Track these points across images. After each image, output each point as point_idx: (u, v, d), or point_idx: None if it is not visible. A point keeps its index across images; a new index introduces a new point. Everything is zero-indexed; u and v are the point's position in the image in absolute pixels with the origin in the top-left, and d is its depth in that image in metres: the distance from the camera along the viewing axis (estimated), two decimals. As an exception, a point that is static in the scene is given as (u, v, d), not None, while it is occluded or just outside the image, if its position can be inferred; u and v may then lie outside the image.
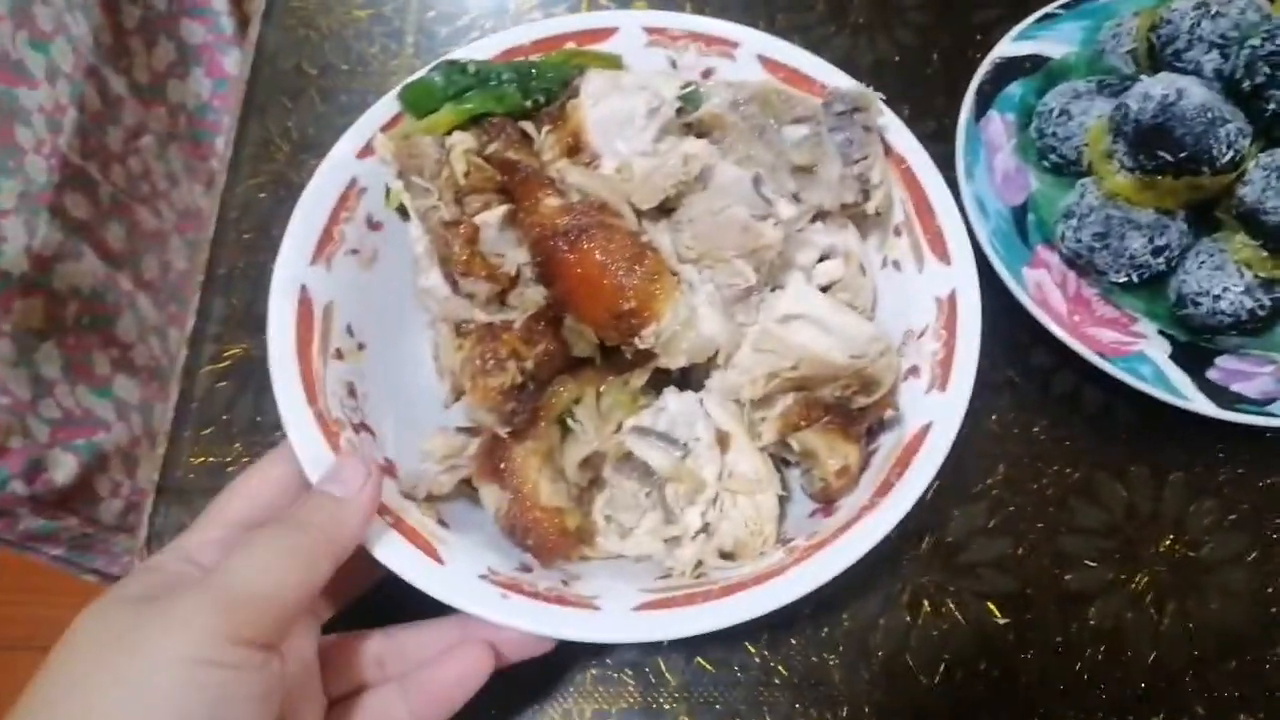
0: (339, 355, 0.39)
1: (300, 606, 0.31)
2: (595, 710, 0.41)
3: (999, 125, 0.49)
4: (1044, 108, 0.48)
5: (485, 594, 0.33)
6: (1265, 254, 0.42)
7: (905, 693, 0.41)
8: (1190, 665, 0.41)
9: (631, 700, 0.41)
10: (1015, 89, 0.50)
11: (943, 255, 0.40)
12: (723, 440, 0.36)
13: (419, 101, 0.41)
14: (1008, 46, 0.50)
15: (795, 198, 0.38)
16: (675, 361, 0.35)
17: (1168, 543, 0.43)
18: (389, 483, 0.36)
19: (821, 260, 0.38)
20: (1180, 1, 0.45)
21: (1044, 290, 0.45)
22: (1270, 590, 0.42)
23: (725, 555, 0.35)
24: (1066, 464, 0.45)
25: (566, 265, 0.34)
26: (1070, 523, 0.44)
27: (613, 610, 0.33)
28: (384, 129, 0.41)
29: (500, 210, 0.36)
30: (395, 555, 0.34)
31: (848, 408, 0.36)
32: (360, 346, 0.40)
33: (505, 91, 0.40)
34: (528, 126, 0.40)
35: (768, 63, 0.43)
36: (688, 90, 0.43)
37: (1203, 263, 0.44)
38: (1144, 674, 0.41)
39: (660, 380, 0.38)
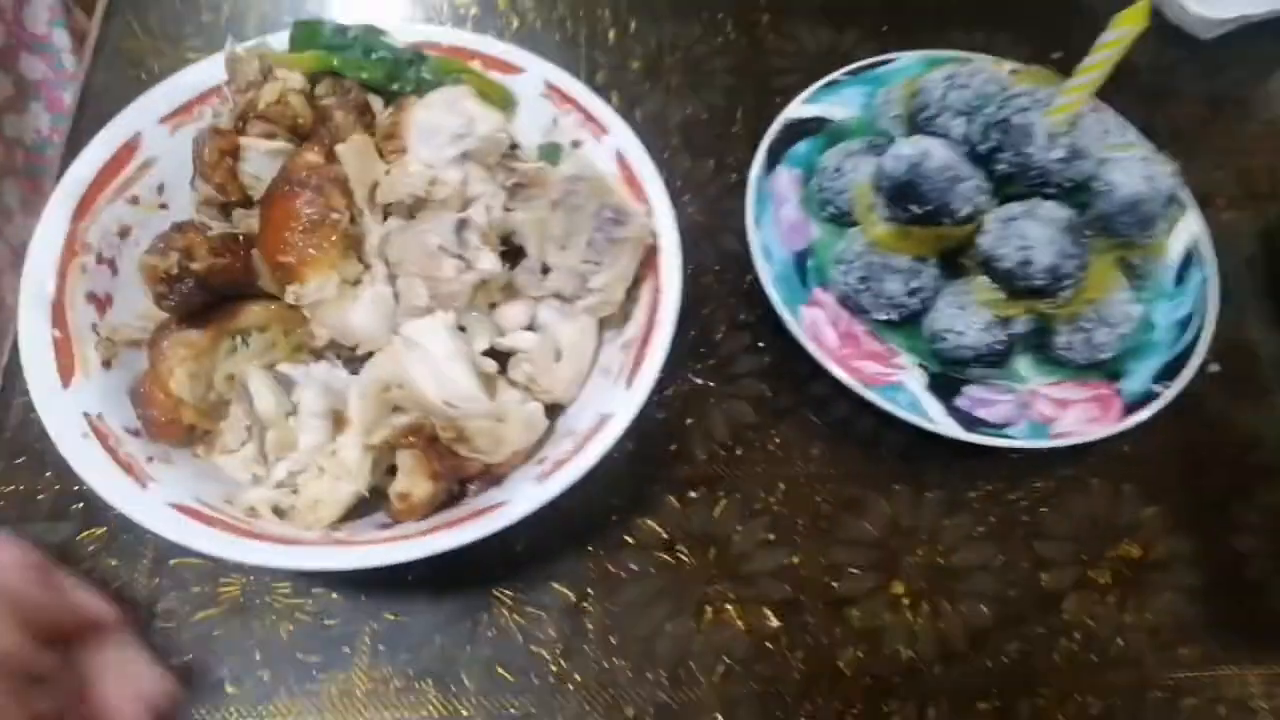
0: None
1: None
2: (396, 718, 0.42)
3: (786, 180, 0.53)
4: (823, 165, 0.53)
5: (169, 515, 0.36)
6: (1002, 296, 0.47)
7: (686, 692, 0.44)
8: (939, 660, 0.45)
9: (433, 708, 0.43)
10: (802, 147, 0.54)
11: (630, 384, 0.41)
12: (339, 421, 0.38)
13: (302, 38, 0.45)
14: (796, 109, 0.54)
15: (543, 268, 0.41)
16: (320, 331, 0.38)
17: (923, 552, 0.48)
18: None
19: (528, 329, 0.41)
20: (934, 73, 0.50)
21: (818, 327, 0.49)
22: (1011, 593, 0.47)
23: (277, 511, 0.38)
24: (839, 483, 0.49)
25: (272, 204, 0.37)
26: (841, 535, 0.48)
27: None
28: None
29: (274, 144, 0.39)
30: (97, 471, 0.36)
31: (447, 451, 0.38)
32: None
33: (371, 64, 0.44)
34: (376, 101, 0.44)
35: (620, 159, 0.46)
36: (546, 144, 0.47)
37: (950, 303, 0.48)
38: (899, 668, 0.45)
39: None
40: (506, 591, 0.45)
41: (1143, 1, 0.42)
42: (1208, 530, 0.50)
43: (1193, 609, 0.48)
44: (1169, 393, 0.49)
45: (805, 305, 0.50)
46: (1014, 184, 0.47)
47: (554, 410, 0.42)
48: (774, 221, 0.52)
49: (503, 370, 0.40)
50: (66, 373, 0.38)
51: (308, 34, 0.44)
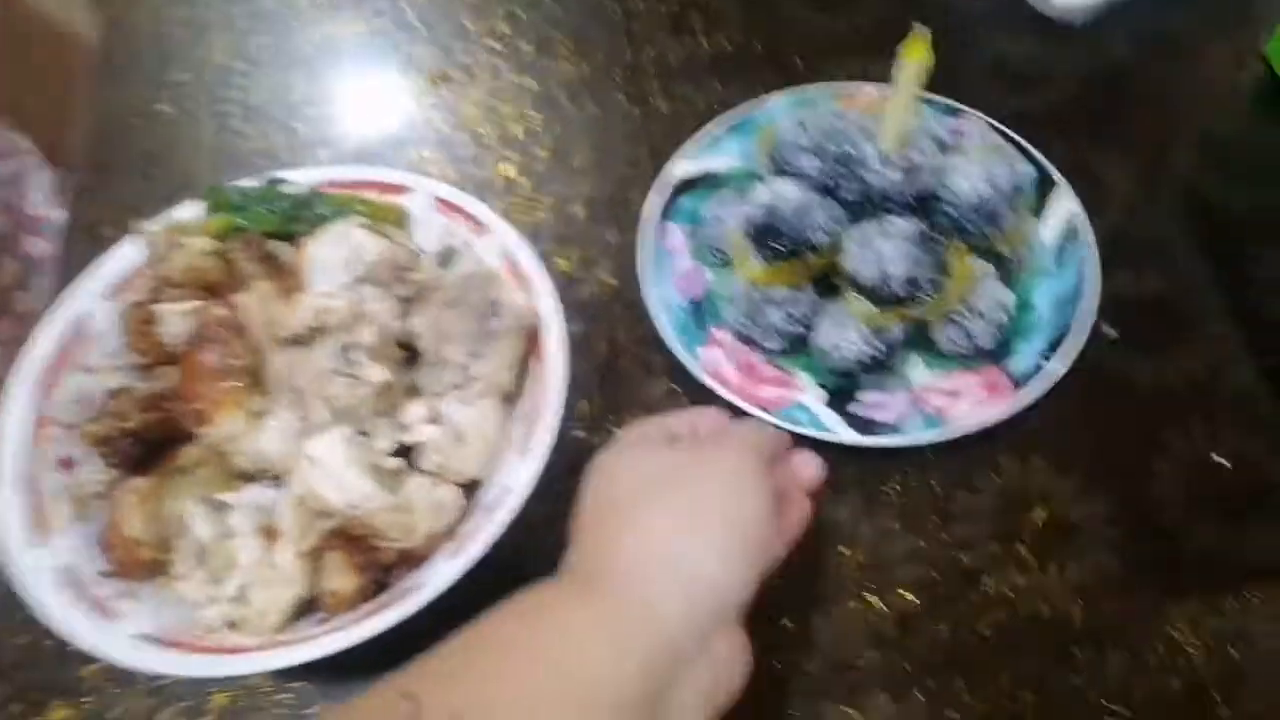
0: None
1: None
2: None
3: (677, 234, 0.58)
4: (704, 216, 0.58)
5: (135, 646, 0.41)
6: (874, 309, 0.51)
7: None
8: (872, 647, 0.48)
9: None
10: (686, 202, 0.59)
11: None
12: (270, 534, 0.43)
13: (215, 204, 0.51)
14: (679, 166, 0.60)
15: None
16: (240, 462, 0.43)
17: (846, 551, 0.51)
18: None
19: (432, 421, 0.45)
20: (786, 120, 0.55)
21: (718, 364, 0.54)
22: (934, 576, 0.50)
23: (231, 625, 0.42)
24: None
25: (184, 359, 0.43)
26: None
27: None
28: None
29: (186, 305, 0.45)
30: (72, 618, 0.41)
31: (366, 544, 0.42)
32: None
33: (269, 216, 0.50)
34: (282, 246, 0.50)
35: (505, 254, 0.51)
36: (442, 249, 0.52)
37: (830, 323, 0.52)
38: (824, 656, 0.48)
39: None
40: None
41: (918, 36, 0.47)
42: (1120, 487, 0.52)
43: (1113, 563, 0.50)
44: (1055, 364, 0.52)
45: (704, 346, 0.54)
46: (863, 207, 0.51)
47: (476, 487, 0.47)
48: (669, 273, 0.57)
49: (414, 463, 0.45)
50: (43, 533, 0.43)
51: (216, 200, 0.50)
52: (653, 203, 0.58)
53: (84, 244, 0.64)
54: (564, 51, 0.71)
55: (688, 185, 0.60)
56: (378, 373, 0.43)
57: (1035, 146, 0.62)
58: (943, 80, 0.65)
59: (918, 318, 0.52)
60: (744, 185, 0.57)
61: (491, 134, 0.68)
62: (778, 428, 0.48)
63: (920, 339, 0.54)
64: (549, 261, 0.61)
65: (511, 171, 0.66)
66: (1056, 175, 0.58)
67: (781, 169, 0.54)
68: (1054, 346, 0.53)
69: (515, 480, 0.43)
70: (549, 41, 0.72)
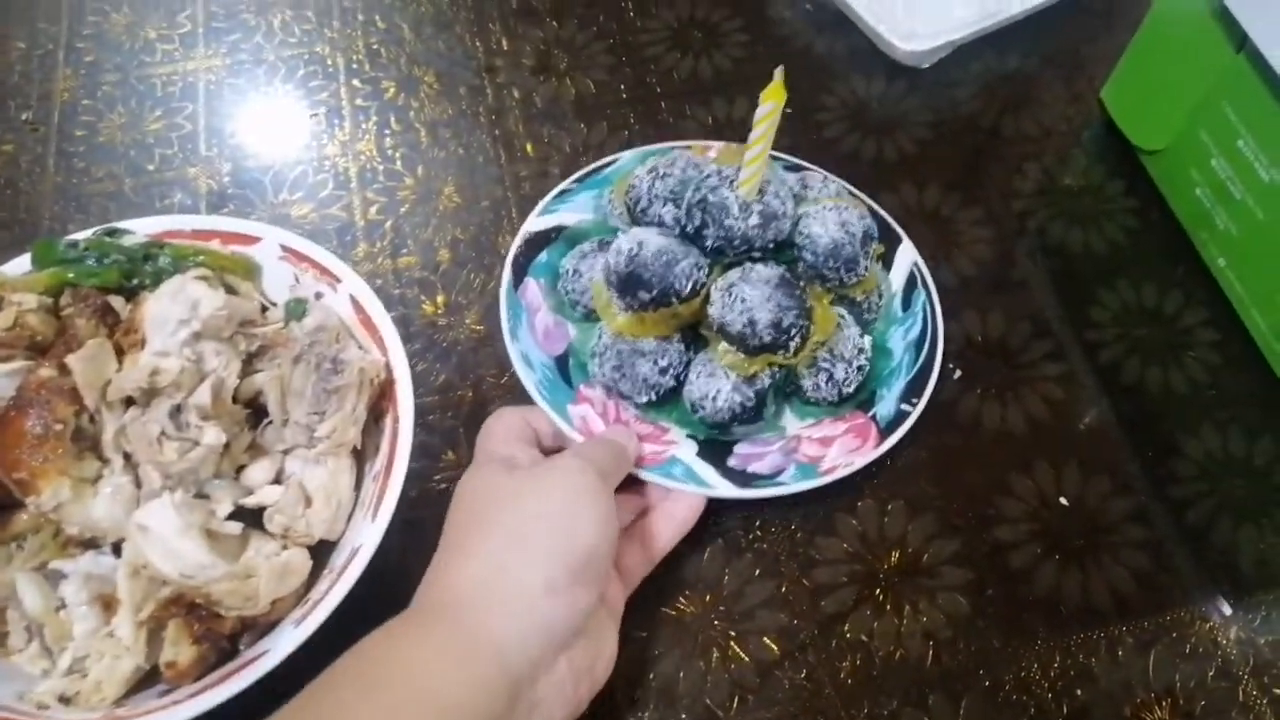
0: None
1: (616, 484, 0.47)
2: None
3: (535, 289, 0.57)
4: (563, 269, 0.57)
5: None
6: (742, 357, 0.51)
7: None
8: (729, 701, 0.49)
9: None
10: (544, 256, 0.58)
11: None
12: (108, 604, 0.42)
13: (41, 257, 0.49)
14: (534, 221, 0.59)
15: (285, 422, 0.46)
16: (71, 529, 0.42)
17: (710, 599, 0.51)
18: None
19: (276, 481, 0.45)
20: (640, 169, 0.55)
21: (587, 421, 0.52)
22: (795, 623, 0.51)
23: (64, 700, 0.41)
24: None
25: (4, 424, 0.41)
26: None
27: None
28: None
29: (11, 365, 0.44)
30: None
31: (206, 612, 0.42)
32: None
33: (104, 270, 0.48)
34: (119, 300, 0.48)
35: (355, 303, 0.51)
36: (291, 301, 0.51)
37: (699, 372, 0.52)
38: (689, 709, 0.49)
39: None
40: None
41: (777, 80, 0.45)
42: (970, 529, 0.54)
43: (964, 605, 0.51)
44: (916, 410, 0.54)
45: (573, 403, 0.53)
46: (725, 254, 0.51)
47: (326, 546, 0.46)
48: (530, 330, 0.55)
49: (260, 523, 0.44)
50: None
51: (44, 253, 0.48)
52: (508, 259, 0.57)
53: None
54: (426, 91, 0.71)
55: (543, 241, 0.59)
56: (212, 434, 0.42)
57: (886, 188, 0.64)
58: (800, 122, 0.69)
59: (786, 363, 0.51)
60: (601, 237, 0.57)
61: (354, 174, 0.67)
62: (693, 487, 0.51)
63: (788, 387, 0.55)
64: (413, 307, 0.61)
65: (374, 213, 0.65)
66: (896, 226, 0.60)
67: (639, 219, 0.54)
68: (911, 389, 0.55)
69: (366, 540, 0.43)
70: (411, 79, 0.71)
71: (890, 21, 0.70)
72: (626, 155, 0.62)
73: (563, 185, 0.60)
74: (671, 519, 0.50)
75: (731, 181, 0.50)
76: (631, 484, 0.51)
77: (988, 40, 0.72)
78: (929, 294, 0.58)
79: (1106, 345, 0.60)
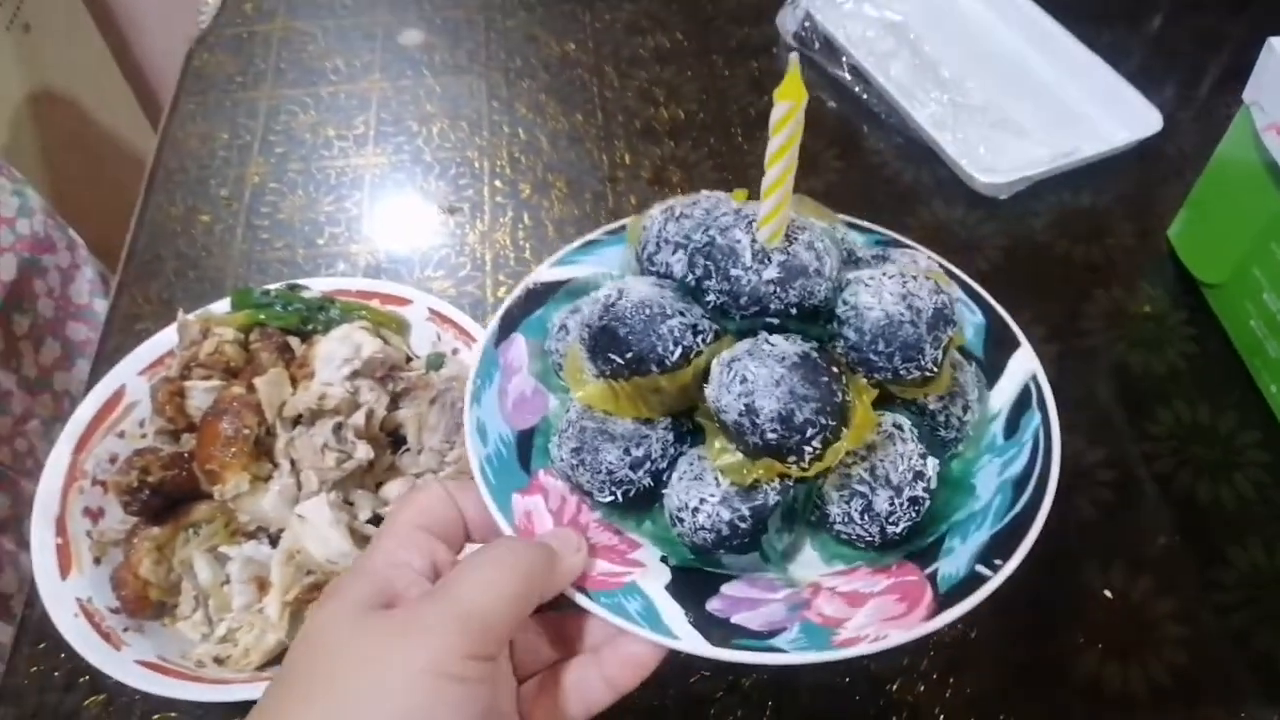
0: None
1: (517, 625, 0.34)
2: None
3: (521, 347, 0.45)
4: (551, 324, 0.44)
5: (135, 670, 0.48)
6: (740, 458, 0.36)
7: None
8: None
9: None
10: (540, 311, 0.46)
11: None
12: (262, 585, 0.50)
13: (239, 301, 0.60)
14: (544, 272, 0.47)
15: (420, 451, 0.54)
16: (242, 519, 0.50)
17: None
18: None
19: None
20: (656, 208, 0.43)
21: (532, 518, 0.39)
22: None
23: (218, 661, 0.49)
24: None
25: (204, 427, 0.51)
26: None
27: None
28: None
29: (210, 383, 0.54)
30: (83, 641, 0.48)
31: None
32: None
33: (287, 314, 0.59)
34: (295, 340, 0.58)
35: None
36: (432, 354, 0.61)
37: (684, 474, 0.38)
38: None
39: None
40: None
41: (793, 72, 0.33)
42: (1019, 611, 0.58)
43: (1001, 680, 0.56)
44: (999, 576, 0.37)
45: (521, 492, 0.40)
46: (730, 316, 0.38)
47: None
48: (499, 395, 0.43)
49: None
50: (65, 569, 0.51)
51: (242, 298, 0.59)
52: (499, 310, 0.46)
53: (120, 333, 0.73)
54: (557, 194, 0.81)
55: (549, 295, 0.47)
56: (364, 450, 0.51)
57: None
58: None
59: (802, 476, 0.36)
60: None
61: (488, 259, 0.77)
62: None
63: (811, 514, 0.40)
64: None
65: (503, 293, 0.75)
66: (1014, 327, 0.45)
67: (645, 268, 0.42)
68: (998, 548, 0.38)
69: (473, 553, 0.51)
70: (544, 184, 0.82)
71: (972, 156, 0.78)
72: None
73: (591, 235, 0.48)
74: (609, 675, 0.37)
75: (750, 222, 0.37)
76: (569, 604, 0.37)
77: (1063, 178, 0.79)
78: (1046, 419, 0.42)
79: (1160, 457, 0.65)
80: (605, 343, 0.37)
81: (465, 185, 0.83)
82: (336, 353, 0.54)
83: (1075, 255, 0.76)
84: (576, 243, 0.48)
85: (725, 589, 0.38)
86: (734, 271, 0.36)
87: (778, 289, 0.36)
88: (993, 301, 0.47)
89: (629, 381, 0.38)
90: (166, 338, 0.59)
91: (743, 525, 0.37)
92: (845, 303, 0.38)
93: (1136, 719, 0.54)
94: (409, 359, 0.60)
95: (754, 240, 0.36)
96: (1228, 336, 0.69)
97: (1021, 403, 0.43)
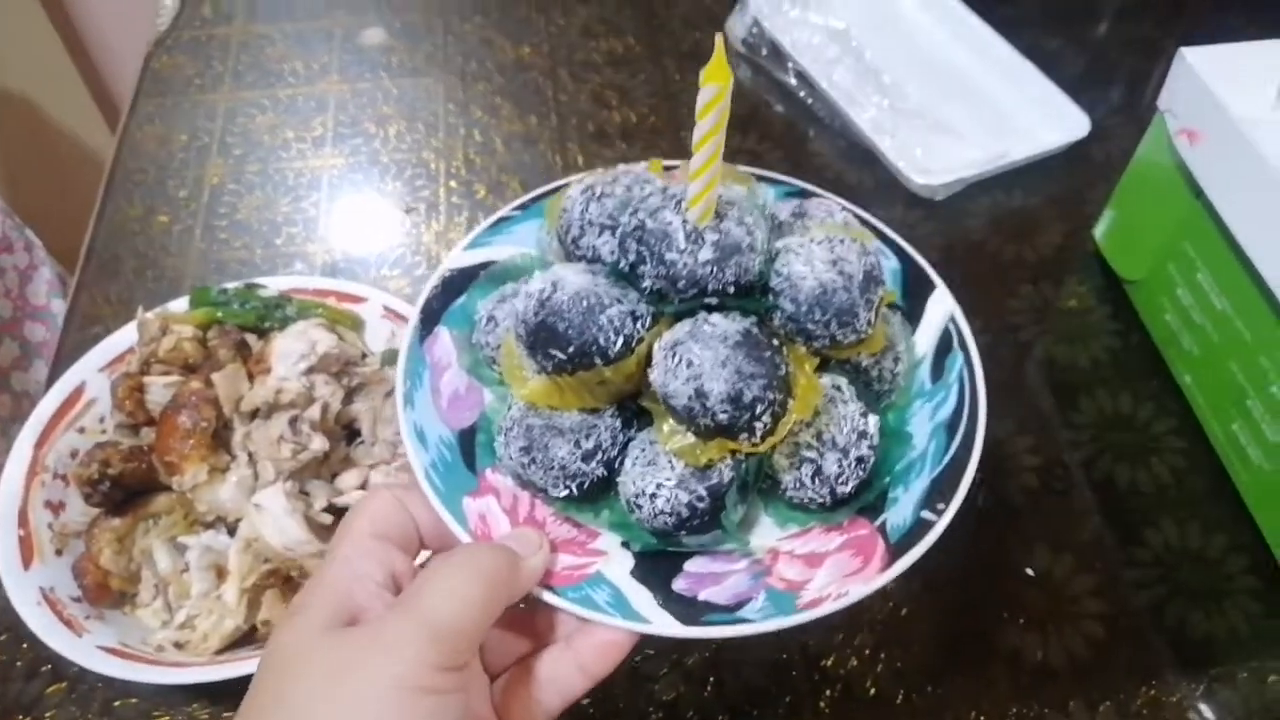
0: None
1: (484, 633, 0.34)
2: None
3: (447, 342, 0.43)
4: (478, 315, 0.43)
5: (97, 655, 0.49)
6: (691, 440, 0.37)
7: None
8: None
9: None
10: (461, 300, 0.44)
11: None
12: (220, 572, 0.52)
13: (197, 299, 0.61)
14: (459, 256, 0.45)
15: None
16: (201, 509, 0.52)
17: None
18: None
19: (362, 487, 0.56)
20: (574, 188, 0.41)
21: (488, 521, 0.39)
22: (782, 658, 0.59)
23: (177, 646, 0.51)
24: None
25: (162, 420, 0.53)
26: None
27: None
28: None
29: (170, 379, 0.55)
30: (46, 628, 0.50)
31: (298, 584, 0.51)
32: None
33: (245, 312, 0.61)
34: (252, 337, 0.60)
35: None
36: (386, 350, 0.63)
37: (636, 459, 0.38)
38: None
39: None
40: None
41: (719, 53, 0.34)
42: (953, 594, 0.62)
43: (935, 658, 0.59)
44: (943, 519, 0.38)
45: (473, 496, 0.39)
46: (668, 300, 0.37)
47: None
48: (433, 394, 0.42)
49: (343, 521, 0.55)
50: (28, 559, 0.53)
51: (200, 296, 0.61)
52: (418, 303, 0.45)
53: (79, 332, 0.74)
54: (511, 194, 0.84)
55: (467, 282, 0.45)
56: (319, 442, 0.53)
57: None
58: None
59: (753, 451, 0.37)
60: (526, 277, 0.42)
61: (444, 259, 0.79)
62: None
63: (763, 483, 0.40)
64: (482, 369, 0.72)
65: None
66: (928, 269, 0.47)
67: (571, 253, 0.41)
68: (939, 490, 0.39)
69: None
70: (499, 184, 0.85)
71: (909, 159, 0.81)
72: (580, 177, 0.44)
73: (502, 211, 0.47)
74: (583, 663, 0.37)
75: (678, 202, 0.37)
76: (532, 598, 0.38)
77: (996, 179, 0.83)
78: (969, 358, 0.43)
79: (1083, 445, 0.68)
80: (544, 339, 0.36)
81: (421, 186, 0.85)
82: (293, 349, 0.56)
83: (1007, 253, 0.80)
84: (487, 221, 0.46)
85: (688, 566, 0.39)
86: (669, 255, 0.36)
87: (714, 269, 0.36)
88: (905, 245, 0.47)
89: (573, 375, 0.37)
90: (126, 335, 0.61)
91: (701, 505, 0.37)
92: (778, 274, 0.38)
93: (1058, 688, 0.57)
94: (364, 355, 0.62)
95: (685, 221, 0.36)
96: (1146, 330, 0.73)
97: (943, 345, 0.44)
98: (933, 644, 0.59)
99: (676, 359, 0.36)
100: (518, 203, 0.47)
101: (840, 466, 0.38)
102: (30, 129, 1.39)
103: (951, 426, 0.41)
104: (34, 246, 1.05)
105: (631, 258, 0.37)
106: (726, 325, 0.36)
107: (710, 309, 0.37)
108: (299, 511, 0.51)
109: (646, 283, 0.37)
